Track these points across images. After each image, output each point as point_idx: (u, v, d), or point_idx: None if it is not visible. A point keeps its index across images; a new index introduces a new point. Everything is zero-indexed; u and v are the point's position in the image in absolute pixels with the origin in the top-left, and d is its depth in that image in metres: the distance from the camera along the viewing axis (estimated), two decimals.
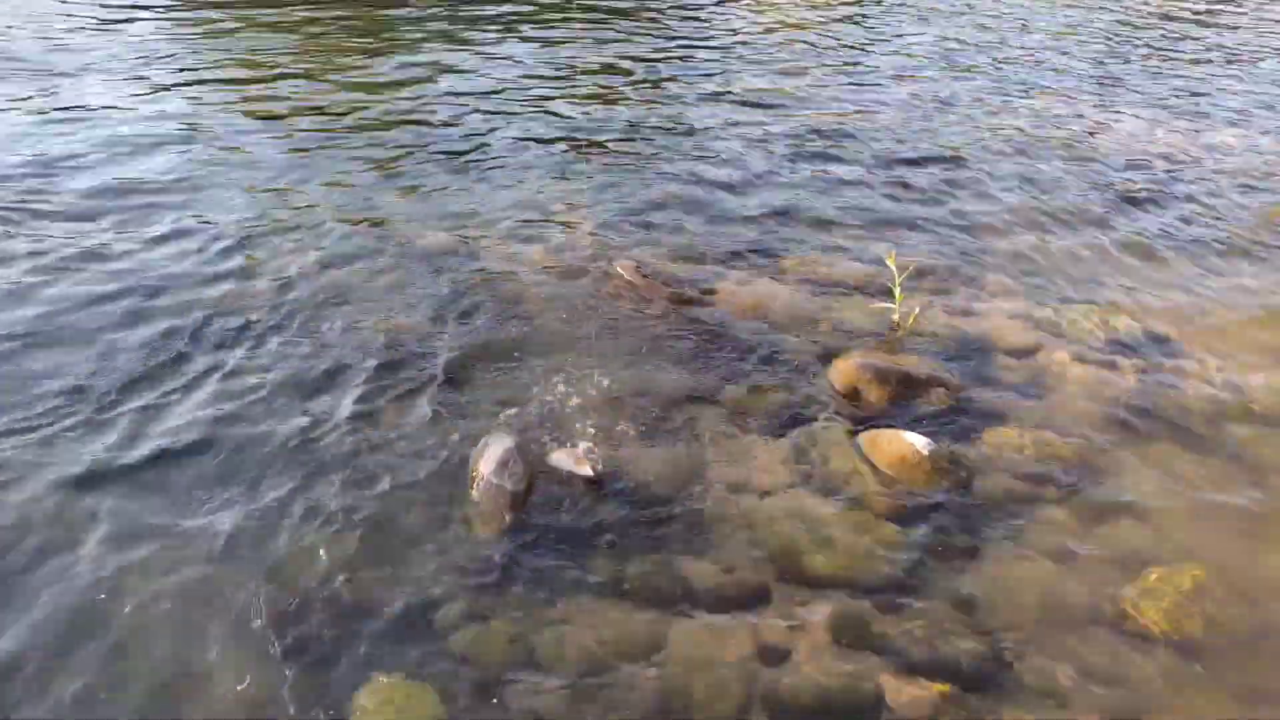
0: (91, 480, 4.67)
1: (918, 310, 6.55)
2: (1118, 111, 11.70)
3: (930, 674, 3.99)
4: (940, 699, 3.90)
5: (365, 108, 10.16)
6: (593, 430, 5.26)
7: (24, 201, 7.53)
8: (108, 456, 4.83)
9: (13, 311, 6.05)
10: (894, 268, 6.49)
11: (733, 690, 3.87)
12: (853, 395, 5.78)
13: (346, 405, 5.34)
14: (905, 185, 9.06)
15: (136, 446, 4.91)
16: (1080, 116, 11.44)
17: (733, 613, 4.26)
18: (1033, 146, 10.25)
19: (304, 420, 5.19)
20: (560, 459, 4.94)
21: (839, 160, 9.51)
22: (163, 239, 7.13)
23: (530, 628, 4.06)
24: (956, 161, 9.71)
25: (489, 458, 4.76)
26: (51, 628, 3.89)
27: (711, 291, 6.87)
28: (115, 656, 3.80)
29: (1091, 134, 10.84)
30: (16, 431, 4.98)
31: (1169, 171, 9.86)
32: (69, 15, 12.94)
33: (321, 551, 4.34)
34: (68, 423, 5.06)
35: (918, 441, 5.20)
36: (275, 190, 8.14)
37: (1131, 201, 9.07)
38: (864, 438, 5.36)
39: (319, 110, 10.04)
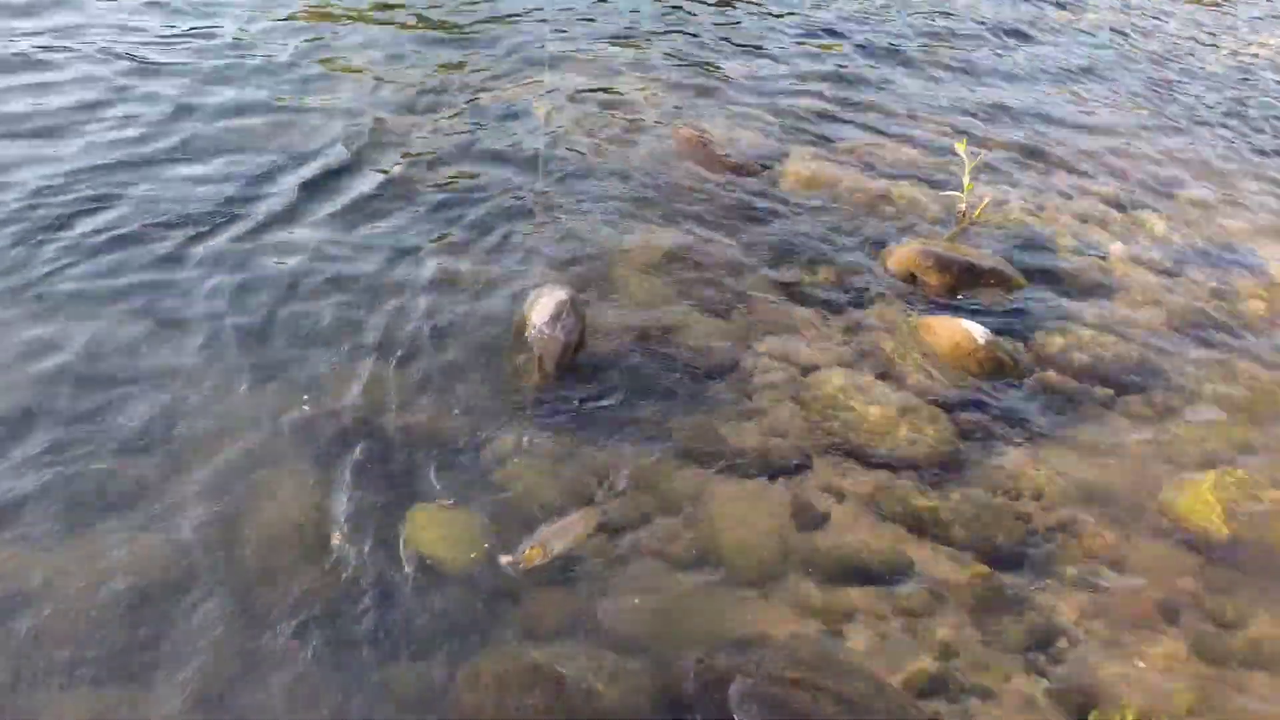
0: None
1: (986, 201, 6.37)
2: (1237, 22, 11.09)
3: (967, 553, 4.03)
4: (975, 578, 3.93)
5: None
6: (648, 291, 5.25)
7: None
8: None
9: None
10: (965, 156, 6.28)
11: (768, 548, 3.92)
12: (911, 281, 5.67)
13: (407, 247, 5.35)
14: (980, 72, 8.70)
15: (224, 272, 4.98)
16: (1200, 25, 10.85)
17: (773, 476, 4.29)
18: (1136, 50, 9.77)
19: (372, 261, 5.20)
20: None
21: (913, 42, 9.12)
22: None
23: (574, 470, 4.12)
24: (1044, 51, 9.29)
25: (542, 308, 4.75)
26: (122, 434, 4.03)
27: (773, 167, 6.72)
28: (178, 467, 3.92)
29: (1206, 43, 10.29)
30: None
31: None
32: None
33: (375, 382, 4.40)
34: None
35: (975, 330, 5.12)
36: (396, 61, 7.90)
37: (1230, 115, 8.65)
38: (920, 322, 5.28)
39: None
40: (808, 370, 4.90)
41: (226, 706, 3.09)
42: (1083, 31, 10.14)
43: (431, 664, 3.28)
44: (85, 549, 3.52)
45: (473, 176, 6.12)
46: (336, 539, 3.66)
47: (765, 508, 4.12)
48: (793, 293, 5.48)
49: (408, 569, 3.58)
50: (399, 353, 4.62)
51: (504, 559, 3.58)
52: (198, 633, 3.29)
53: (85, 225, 5.13)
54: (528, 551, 3.59)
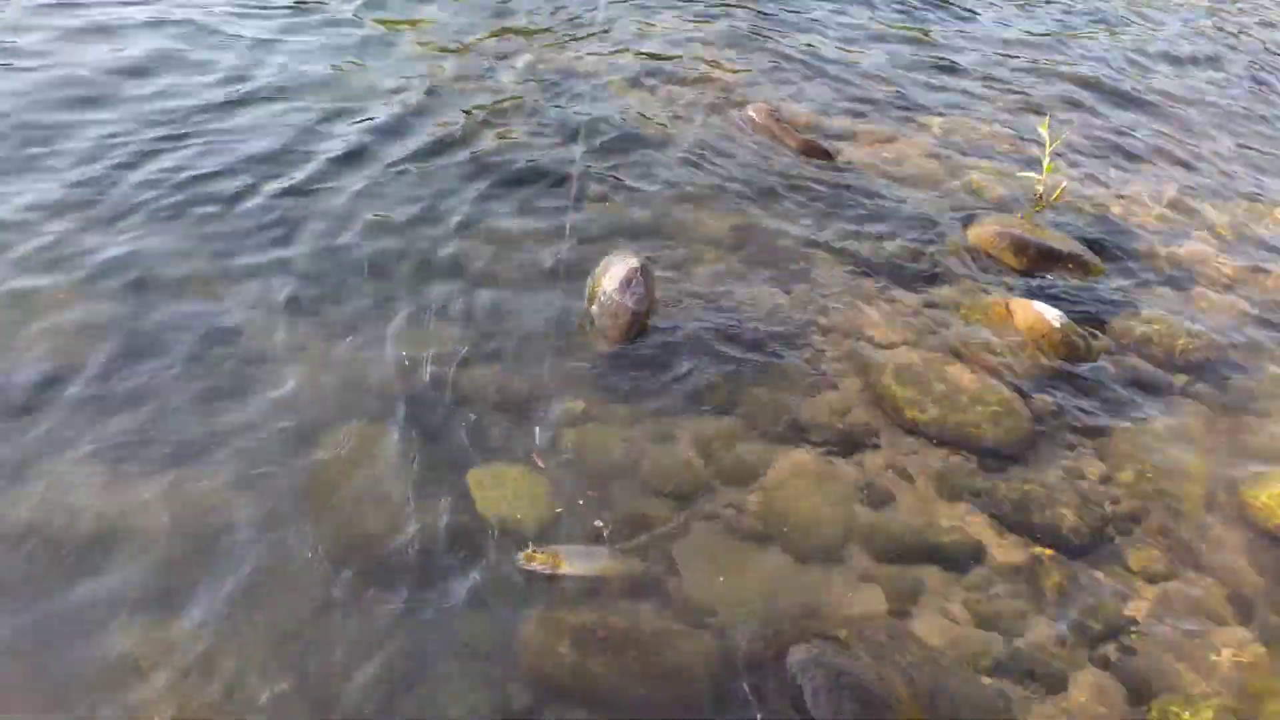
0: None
1: (1065, 184, 6.22)
2: None
3: (1036, 537, 3.97)
4: (1040, 561, 3.88)
5: None
6: (718, 264, 5.23)
7: None
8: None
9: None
10: (1046, 135, 6.14)
11: (832, 522, 3.91)
12: (986, 261, 5.59)
13: (480, 208, 5.39)
14: (1066, 51, 8.49)
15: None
16: None
17: (839, 452, 4.26)
18: (1237, 41, 9.44)
19: (436, 221, 5.26)
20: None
21: (996, 12, 8.92)
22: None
23: (640, 436, 4.13)
24: (1136, 33, 9.03)
25: (613, 275, 4.76)
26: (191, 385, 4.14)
27: (844, 142, 6.63)
28: (249, 414, 4.01)
29: None
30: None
31: None
32: None
33: (446, 341, 4.46)
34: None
35: (1049, 313, 5.02)
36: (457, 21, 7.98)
37: None
38: (994, 303, 5.19)
39: None
40: (877, 347, 4.85)
41: (295, 647, 3.16)
42: (1182, 18, 9.82)
43: (495, 620, 3.32)
44: (174, 496, 3.63)
45: (536, 141, 6.14)
46: (403, 493, 3.71)
47: (830, 483, 4.10)
48: (863, 269, 5.41)
49: (474, 526, 3.63)
50: (468, 313, 4.67)
51: (519, 552, 3.50)
52: (268, 576, 3.36)
53: (160, 164, 5.32)
54: (539, 554, 3.47)
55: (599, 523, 3.69)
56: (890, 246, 5.62)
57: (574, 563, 3.48)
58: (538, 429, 3.98)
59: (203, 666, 3.05)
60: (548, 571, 3.43)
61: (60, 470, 3.62)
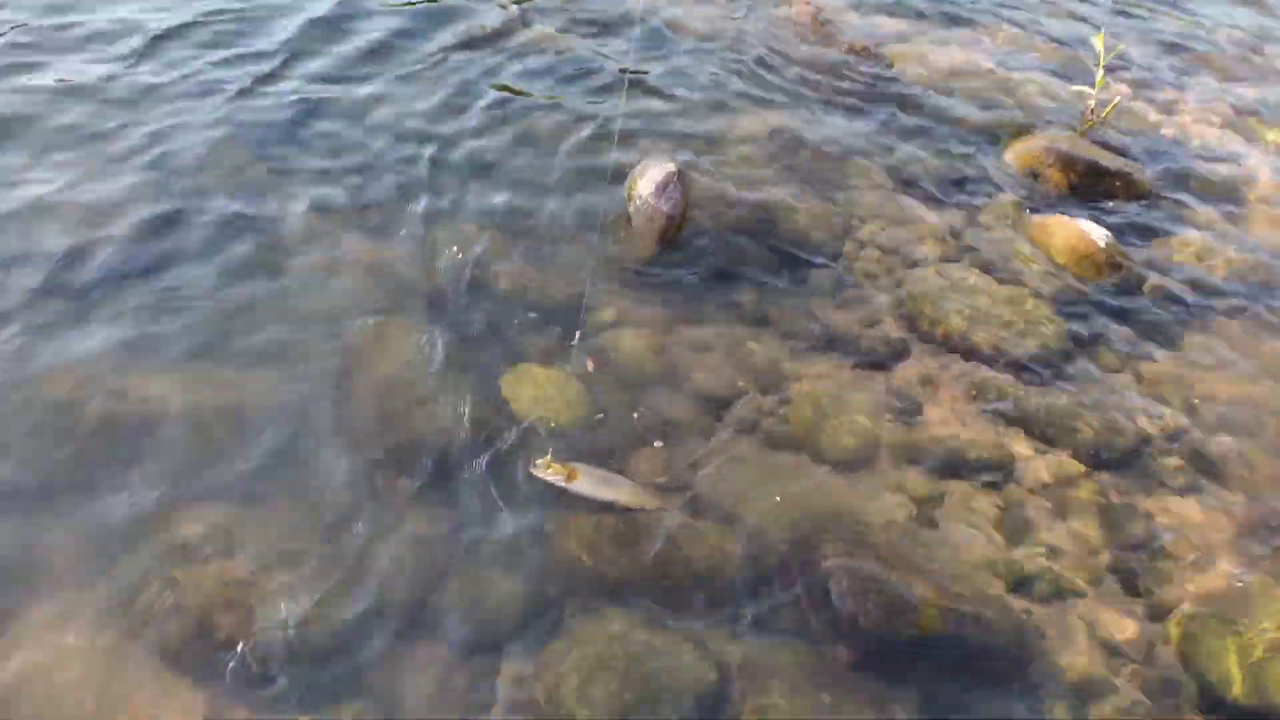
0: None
1: (1117, 100, 6.01)
2: None
3: (1069, 454, 3.95)
4: (1071, 476, 3.87)
5: None
6: (756, 169, 5.14)
7: None
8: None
9: None
10: (1100, 50, 5.90)
11: (863, 433, 3.89)
12: (1031, 177, 5.44)
13: (517, 107, 5.31)
14: None
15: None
16: None
17: (872, 364, 4.23)
18: None
19: (475, 121, 5.19)
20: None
21: None
22: None
23: (673, 341, 4.12)
24: None
25: (649, 179, 4.69)
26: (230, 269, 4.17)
27: (890, 49, 6.43)
28: (288, 309, 4.04)
29: None
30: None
31: None
32: None
33: (479, 240, 4.44)
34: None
35: (1094, 232, 4.91)
36: None
37: None
38: (1036, 221, 5.08)
39: None
40: (914, 261, 4.78)
41: (332, 534, 3.23)
42: None
43: (526, 515, 3.37)
44: (210, 380, 3.69)
45: (574, 38, 6.01)
46: (433, 387, 3.74)
47: (862, 394, 4.08)
48: (903, 181, 5.30)
49: (505, 423, 3.66)
50: (502, 212, 4.64)
51: (537, 458, 3.42)
52: (308, 465, 3.43)
53: (181, 49, 5.36)
54: (554, 464, 3.40)
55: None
56: (933, 157, 5.49)
57: (587, 484, 3.41)
58: (579, 333, 3.97)
59: (230, 545, 3.14)
60: (559, 484, 3.39)
61: (85, 350, 3.69)
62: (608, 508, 3.41)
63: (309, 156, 4.83)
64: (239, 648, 2.86)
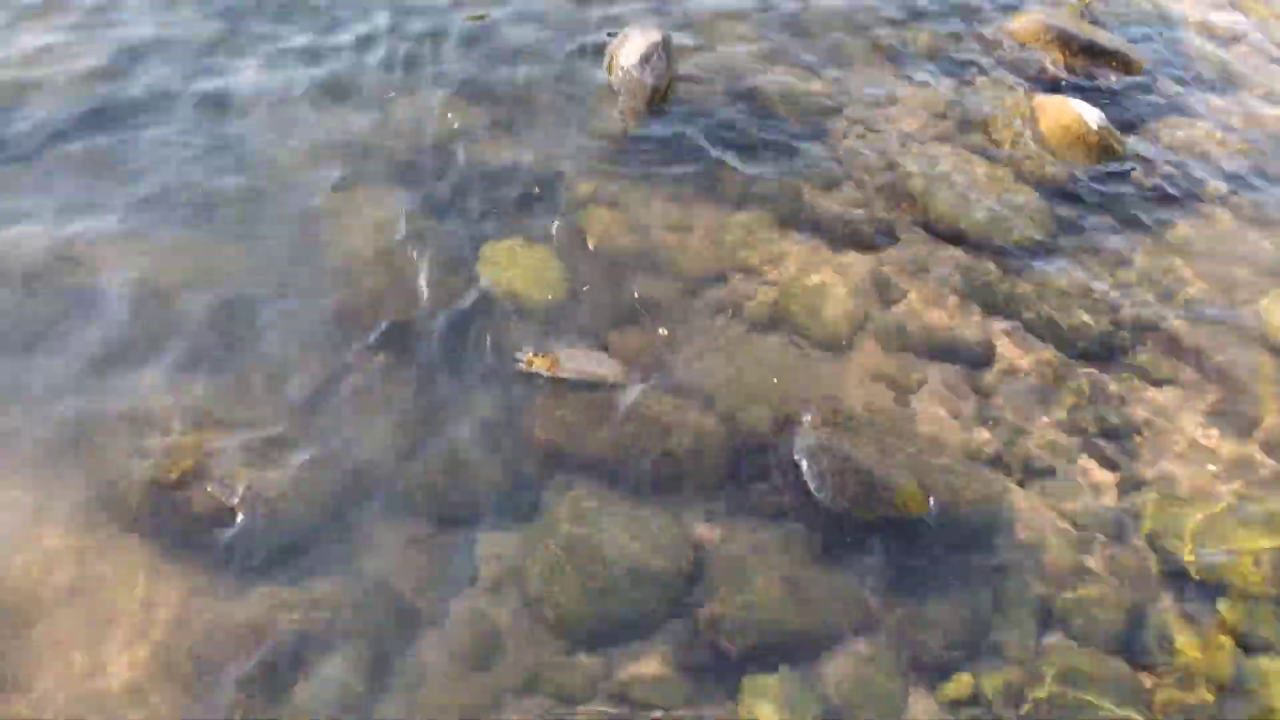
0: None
1: None
2: None
3: (1047, 339, 3.93)
4: (1052, 364, 3.85)
5: None
6: (742, 42, 4.93)
7: None
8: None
9: None
10: None
11: (844, 315, 3.84)
12: (1027, 55, 5.26)
13: None
14: None
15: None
16: None
17: (855, 246, 4.15)
18: None
19: None
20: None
21: None
22: None
23: (653, 219, 4.01)
24: None
25: (631, 49, 4.48)
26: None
27: None
28: (265, 182, 3.88)
29: None
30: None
31: None
32: None
33: (458, 112, 4.25)
34: None
35: (1087, 113, 4.77)
36: None
37: None
38: (1031, 101, 4.93)
39: None
40: (903, 140, 4.65)
41: (308, 407, 3.17)
42: None
43: (506, 394, 3.32)
44: (191, 253, 3.55)
45: None
46: (413, 263, 3.64)
47: (844, 276, 4.01)
48: (894, 56, 5.12)
49: (484, 301, 3.57)
50: (479, 86, 4.44)
51: (518, 355, 3.40)
52: (285, 337, 3.34)
53: None
54: (537, 358, 3.37)
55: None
56: (925, 33, 5.29)
57: (571, 366, 3.38)
58: (540, 209, 3.83)
59: (196, 419, 3.07)
60: (545, 374, 3.35)
61: (27, 210, 3.55)
62: (590, 386, 3.37)
63: (272, 21, 4.57)
64: (209, 524, 2.83)
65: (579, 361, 3.40)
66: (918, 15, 5.40)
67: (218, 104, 4.13)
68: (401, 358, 3.34)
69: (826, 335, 3.77)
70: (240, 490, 2.88)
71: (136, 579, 2.70)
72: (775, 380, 3.56)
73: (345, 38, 4.59)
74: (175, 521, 2.82)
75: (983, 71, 5.13)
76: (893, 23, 5.30)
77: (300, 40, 4.52)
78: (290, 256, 3.58)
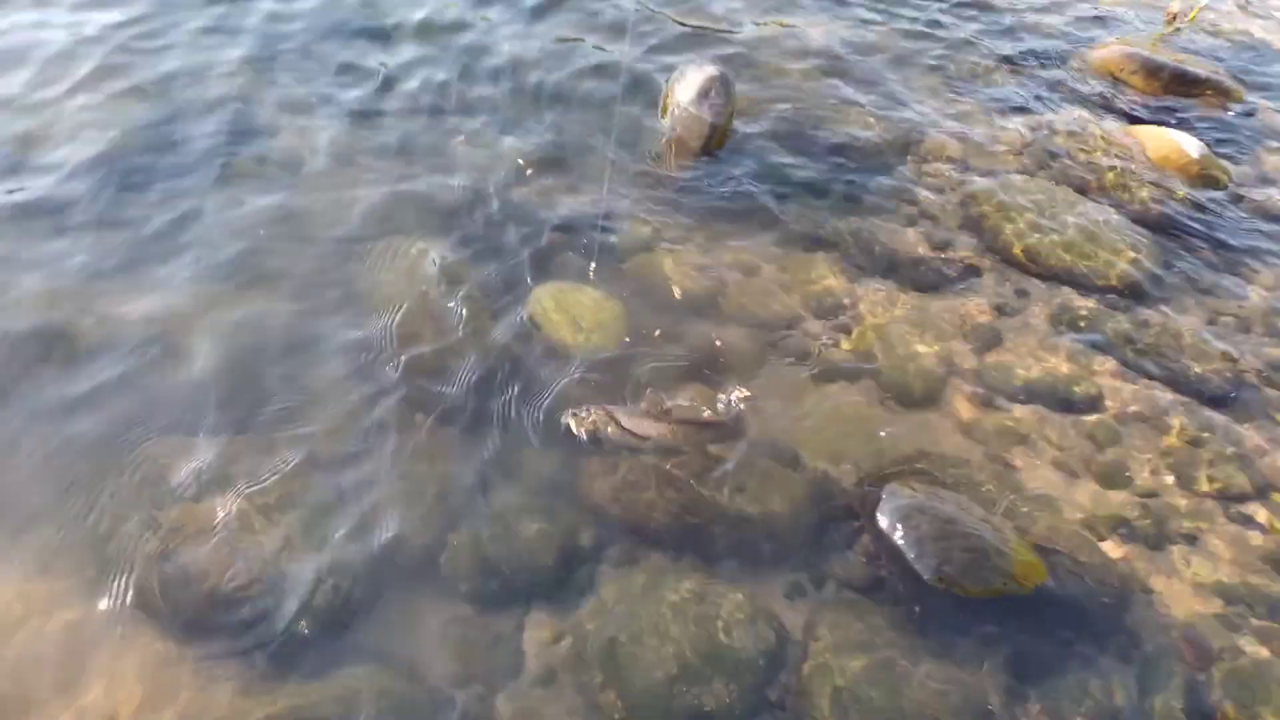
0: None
1: (1204, 3, 5.43)
2: None
3: (1163, 384, 3.48)
4: (1166, 409, 3.40)
5: None
6: (806, 78, 4.65)
7: None
8: None
9: None
10: None
11: (931, 364, 3.45)
12: (1111, 85, 4.90)
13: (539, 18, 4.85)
14: None
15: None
16: None
17: (938, 289, 3.77)
18: None
19: (495, 33, 4.73)
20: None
21: None
22: None
23: (716, 262, 3.68)
24: None
25: (688, 85, 4.22)
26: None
27: None
28: (304, 232, 3.66)
29: None
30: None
31: None
32: None
33: (505, 155, 4.02)
34: None
35: (1187, 143, 4.38)
36: None
37: None
38: (1119, 131, 4.56)
39: None
40: (983, 175, 4.29)
41: (340, 470, 2.84)
42: None
43: (557, 453, 2.96)
44: (211, 299, 3.32)
45: None
46: (459, 316, 3.33)
47: (929, 320, 3.63)
48: (967, 89, 4.79)
49: (534, 352, 3.26)
50: (530, 124, 4.20)
51: (569, 414, 2.99)
52: (318, 393, 3.04)
53: None
54: (587, 418, 2.96)
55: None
56: (1002, 65, 4.97)
57: (626, 424, 2.97)
58: (596, 251, 3.53)
59: (233, 486, 2.75)
60: (588, 436, 2.95)
61: (86, 270, 3.34)
62: (647, 447, 3.00)
63: (320, 71, 4.42)
64: (223, 607, 2.48)
65: (620, 427, 2.98)
66: (992, 46, 5.09)
67: (269, 155, 3.94)
68: (444, 415, 3.02)
69: (913, 385, 3.38)
70: (259, 567, 2.54)
71: (138, 671, 2.37)
72: (860, 436, 3.16)
73: (383, 86, 4.42)
74: (185, 602, 2.48)
75: (1065, 104, 4.78)
76: (964, 52, 5.00)
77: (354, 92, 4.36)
78: (327, 303, 3.31)
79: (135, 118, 4.03)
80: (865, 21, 5.10)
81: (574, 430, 2.96)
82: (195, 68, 4.35)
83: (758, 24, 5.01)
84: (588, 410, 2.98)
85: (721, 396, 3.13)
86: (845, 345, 3.48)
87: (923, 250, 3.91)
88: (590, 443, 2.95)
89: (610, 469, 2.90)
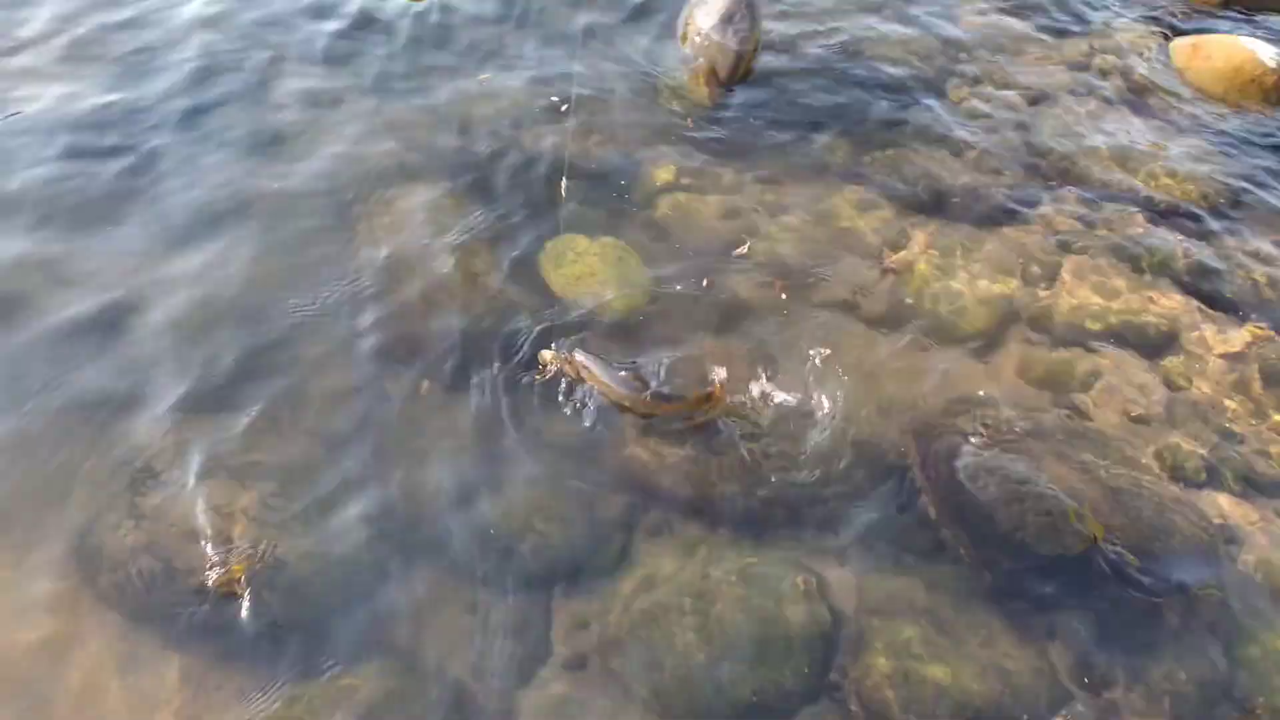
0: None
1: None
2: None
3: (1242, 316, 3.17)
4: (1241, 340, 3.08)
5: None
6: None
7: None
8: None
9: None
10: None
11: (986, 304, 3.14)
12: None
13: None
14: None
15: None
16: None
17: (990, 221, 3.45)
18: None
19: None
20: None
21: None
22: None
23: (745, 202, 3.38)
24: None
25: (709, 10, 3.88)
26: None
27: None
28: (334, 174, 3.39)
29: None
30: None
31: None
32: None
33: (520, 92, 3.72)
34: None
35: (1262, 51, 3.99)
36: None
37: None
38: (1184, 43, 4.17)
39: None
40: (1034, 97, 3.95)
41: (348, 447, 2.59)
42: None
43: (583, 418, 2.69)
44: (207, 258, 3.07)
45: None
46: (468, 272, 3.05)
47: (981, 258, 3.31)
48: (1014, 3, 4.41)
49: (548, 309, 2.97)
50: (540, 59, 3.89)
51: (548, 349, 2.74)
52: (321, 361, 2.78)
53: None
54: (560, 359, 2.70)
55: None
56: None
57: (598, 380, 2.68)
58: (616, 198, 3.24)
59: (233, 470, 2.52)
60: (562, 376, 2.71)
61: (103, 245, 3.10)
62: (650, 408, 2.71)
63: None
64: (222, 601, 2.25)
65: (601, 375, 2.68)
66: None
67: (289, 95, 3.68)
68: (455, 383, 2.76)
69: (972, 328, 3.07)
70: (264, 552, 2.32)
71: (133, 668, 2.16)
72: (914, 387, 2.87)
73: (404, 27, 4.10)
74: (181, 596, 2.25)
75: (1121, 12, 4.38)
76: None
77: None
78: (329, 259, 3.05)
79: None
80: None
81: (544, 365, 2.71)
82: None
83: None
84: (565, 353, 2.71)
85: (720, 372, 2.78)
86: (892, 286, 3.18)
87: (973, 180, 3.59)
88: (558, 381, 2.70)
89: (636, 437, 2.63)
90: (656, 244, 3.21)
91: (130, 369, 2.69)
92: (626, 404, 2.66)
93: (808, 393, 2.80)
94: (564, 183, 3.26)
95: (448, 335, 2.84)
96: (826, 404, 2.77)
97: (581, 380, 2.68)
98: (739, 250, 3.09)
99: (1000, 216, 3.47)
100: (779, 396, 2.77)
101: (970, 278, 3.22)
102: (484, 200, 3.28)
